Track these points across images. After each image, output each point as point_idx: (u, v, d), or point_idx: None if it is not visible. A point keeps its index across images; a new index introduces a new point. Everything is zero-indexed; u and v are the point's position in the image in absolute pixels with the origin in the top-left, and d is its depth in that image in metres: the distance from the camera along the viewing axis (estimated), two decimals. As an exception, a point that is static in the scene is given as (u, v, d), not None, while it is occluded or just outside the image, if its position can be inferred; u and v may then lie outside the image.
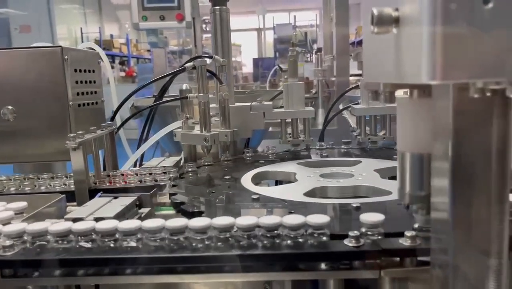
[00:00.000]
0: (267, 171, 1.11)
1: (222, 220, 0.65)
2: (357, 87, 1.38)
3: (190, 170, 1.12)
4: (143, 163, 1.31)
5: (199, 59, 1.16)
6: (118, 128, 1.24)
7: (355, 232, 0.61)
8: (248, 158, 1.28)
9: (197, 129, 1.23)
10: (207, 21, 5.34)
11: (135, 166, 1.28)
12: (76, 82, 1.19)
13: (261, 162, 1.21)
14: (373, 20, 0.47)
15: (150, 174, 1.04)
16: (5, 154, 1.16)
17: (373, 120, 1.32)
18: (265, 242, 0.63)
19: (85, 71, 1.25)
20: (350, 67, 3.70)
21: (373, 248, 0.60)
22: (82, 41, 8.23)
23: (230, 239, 0.64)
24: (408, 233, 0.60)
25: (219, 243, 0.63)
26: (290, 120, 1.33)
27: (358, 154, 1.27)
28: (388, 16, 0.46)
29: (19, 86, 1.13)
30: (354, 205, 0.78)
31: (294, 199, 0.86)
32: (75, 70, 1.19)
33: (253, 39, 14.52)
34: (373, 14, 0.47)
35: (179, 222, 0.65)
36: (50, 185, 0.98)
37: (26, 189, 0.99)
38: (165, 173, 1.04)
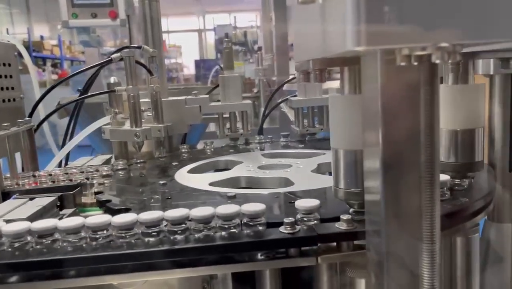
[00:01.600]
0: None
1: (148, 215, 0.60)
2: (293, 79, 1.37)
3: (120, 168, 1.05)
4: (68, 163, 1.21)
5: (127, 50, 1.09)
6: (38, 125, 1.14)
7: (290, 218, 0.59)
8: (183, 154, 1.23)
9: (127, 125, 1.16)
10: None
11: (59, 166, 1.18)
12: (-12, 76, 1.08)
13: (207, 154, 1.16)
14: (297, -12, 0.44)
15: (74, 173, 0.96)
16: None
17: (311, 112, 1.31)
18: (197, 235, 0.59)
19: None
20: (290, 66, 3.75)
21: (309, 234, 0.58)
22: (9, 43, 7.70)
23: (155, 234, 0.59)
24: (344, 217, 0.59)
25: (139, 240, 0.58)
26: (227, 115, 1.29)
27: (299, 146, 1.26)
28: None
29: None
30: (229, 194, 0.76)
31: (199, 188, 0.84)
32: (-14, 63, 1.08)
33: (194, 40, 14.34)
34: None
35: (101, 218, 0.59)
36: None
37: None
38: (91, 172, 0.97)
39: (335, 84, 1.38)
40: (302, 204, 0.61)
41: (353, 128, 0.57)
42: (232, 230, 0.59)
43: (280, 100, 1.42)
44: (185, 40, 13.68)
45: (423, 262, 0.45)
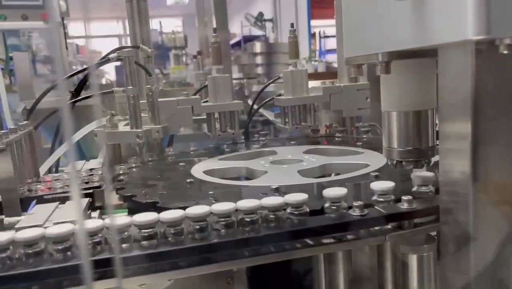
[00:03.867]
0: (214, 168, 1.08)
1: (222, 206, 0.60)
2: (279, 78, 1.40)
3: (122, 172, 1.02)
4: (60, 168, 1.14)
5: (126, 50, 1.06)
6: (36, 126, 1.06)
7: (359, 202, 0.63)
8: (170, 157, 1.22)
9: (122, 127, 1.12)
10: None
11: (50, 172, 1.11)
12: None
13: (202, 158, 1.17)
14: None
15: (84, 177, 0.91)
16: None
17: (298, 111, 1.36)
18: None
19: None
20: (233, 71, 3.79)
21: (377, 215, 0.62)
22: None
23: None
24: (405, 197, 0.64)
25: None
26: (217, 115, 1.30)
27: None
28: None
29: None
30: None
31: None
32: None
33: (115, 46, 13.77)
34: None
35: (177, 213, 0.58)
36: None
37: None
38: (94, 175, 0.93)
39: (317, 83, 1.45)
40: (378, 185, 0.65)
41: (406, 92, 0.65)
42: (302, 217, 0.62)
43: (265, 100, 1.45)
44: (106, 46, 13.16)
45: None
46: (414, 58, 0.61)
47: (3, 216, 0.76)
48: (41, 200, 0.80)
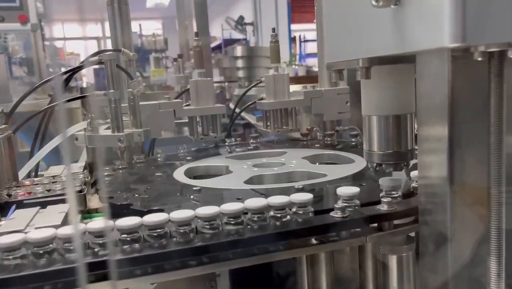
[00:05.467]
0: (198, 166, 1.08)
1: (208, 209, 0.61)
2: (260, 82, 1.41)
3: (107, 173, 1.01)
4: (39, 172, 1.12)
5: (107, 53, 1.05)
6: (15, 130, 1.04)
7: (340, 204, 0.64)
8: (159, 159, 1.22)
9: (103, 131, 1.11)
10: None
11: (29, 176, 1.09)
12: None
13: (188, 158, 1.17)
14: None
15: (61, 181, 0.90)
16: None
17: (279, 113, 1.37)
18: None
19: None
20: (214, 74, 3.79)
21: (358, 217, 0.64)
22: None
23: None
24: (385, 199, 0.65)
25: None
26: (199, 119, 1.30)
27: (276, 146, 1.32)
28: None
29: None
30: (296, 187, 0.79)
31: (237, 188, 0.86)
32: None
33: (94, 48, 13.60)
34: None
35: (160, 216, 0.59)
36: None
37: None
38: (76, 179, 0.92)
39: (298, 87, 1.46)
40: (344, 191, 0.66)
41: (384, 97, 0.68)
42: (285, 219, 0.63)
43: (248, 104, 1.45)
44: (83, 48, 12.96)
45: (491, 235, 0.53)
46: (393, 64, 0.63)
47: (-18, 221, 0.75)
48: (20, 204, 0.79)
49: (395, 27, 0.52)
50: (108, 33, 1.25)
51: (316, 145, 1.29)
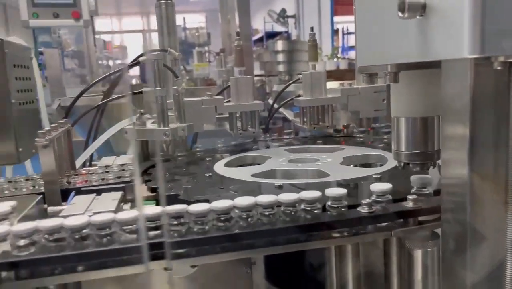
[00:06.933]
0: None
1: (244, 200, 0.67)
2: (297, 81, 1.46)
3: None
4: (92, 162, 1.23)
5: (155, 53, 1.14)
6: (73, 123, 1.15)
7: (367, 200, 0.68)
8: (198, 153, 1.30)
9: (150, 125, 1.20)
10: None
11: (84, 165, 1.20)
12: (16, 78, 1.08)
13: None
14: (404, 7, 0.54)
15: (118, 170, 1.00)
16: None
17: (316, 110, 1.42)
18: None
19: (21, 66, 1.14)
20: (255, 68, 3.84)
21: (383, 212, 0.68)
22: None
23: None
24: (410, 197, 0.69)
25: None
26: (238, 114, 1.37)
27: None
28: (417, 3, 0.54)
29: None
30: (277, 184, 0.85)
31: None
32: (14, 66, 1.08)
33: (139, 40, 14.00)
34: (405, 1, 0.54)
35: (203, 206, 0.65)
36: (15, 189, 0.90)
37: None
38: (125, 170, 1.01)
39: (335, 84, 1.50)
40: (377, 187, 0.70)
41: (413, 99, 0.71)
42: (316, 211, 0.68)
43: (285, 101, 1.51)
44: (130, 41, 13.37)
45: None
46: (420, 69, 0.66)
47: (45, 205, 0.85)
48: (79, 191, 0.89)
49: (420, 37, 0.56)
50: (152, 26, 1.33)
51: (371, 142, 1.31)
